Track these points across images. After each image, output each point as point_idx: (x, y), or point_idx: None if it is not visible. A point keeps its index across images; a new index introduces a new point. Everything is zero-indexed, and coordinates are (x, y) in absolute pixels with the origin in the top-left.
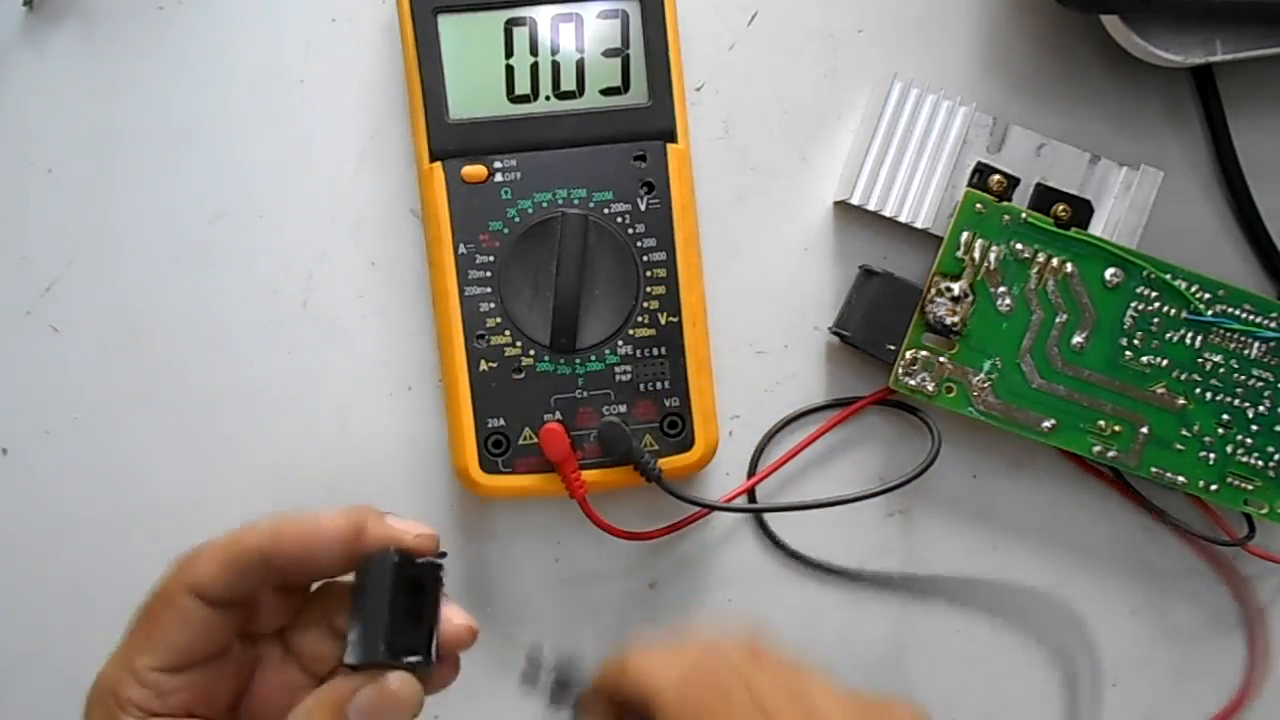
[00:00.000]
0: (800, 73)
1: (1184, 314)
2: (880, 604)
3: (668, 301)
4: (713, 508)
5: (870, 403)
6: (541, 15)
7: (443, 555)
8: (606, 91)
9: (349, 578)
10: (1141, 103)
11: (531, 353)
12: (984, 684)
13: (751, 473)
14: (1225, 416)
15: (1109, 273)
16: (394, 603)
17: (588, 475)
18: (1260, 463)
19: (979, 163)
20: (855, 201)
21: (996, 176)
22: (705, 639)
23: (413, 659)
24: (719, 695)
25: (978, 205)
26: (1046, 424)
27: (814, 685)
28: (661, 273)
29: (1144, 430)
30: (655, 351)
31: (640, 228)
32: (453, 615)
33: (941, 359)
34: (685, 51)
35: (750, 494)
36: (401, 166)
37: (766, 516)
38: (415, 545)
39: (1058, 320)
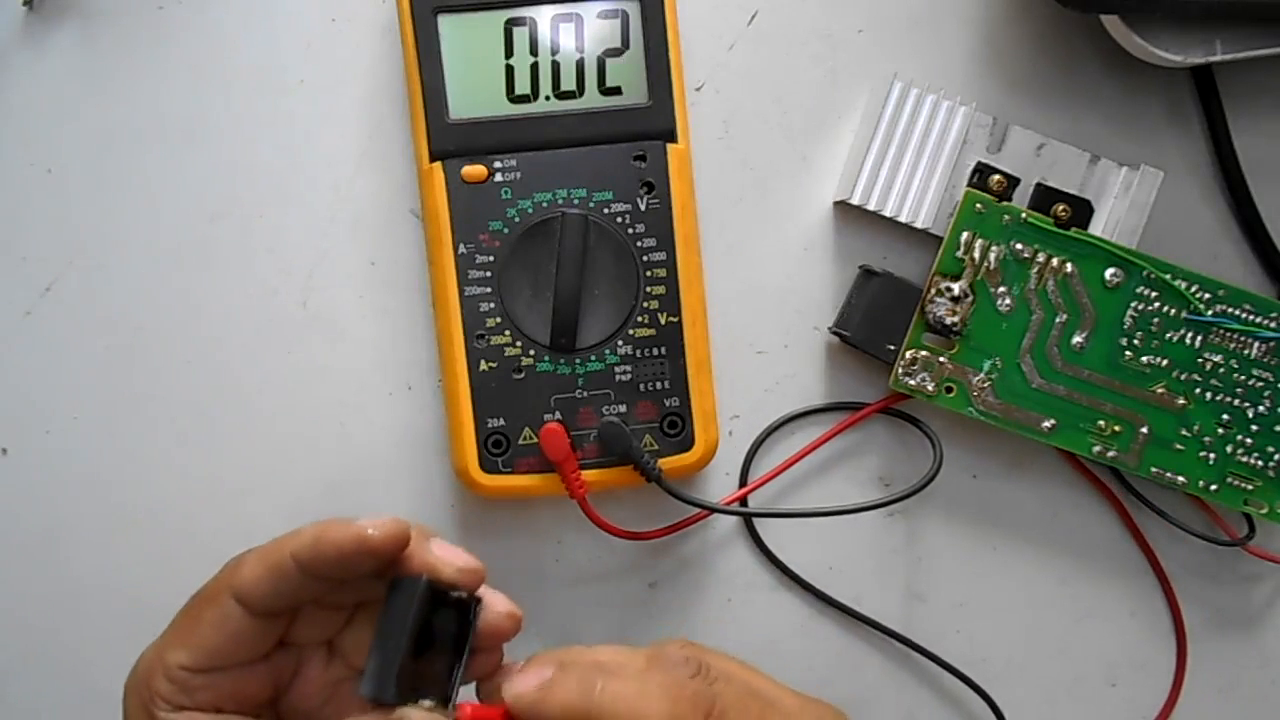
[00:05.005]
0: (800, 73)
1: (1184, 314)
2: (879, 601)
3: (668, 301)
4: (712, 509)
5: (874, 411)
6: (541, 15)
7: (477, 599)
8: (606, 91)
9: None
10: (1141, 103)
11: (531, 353)
12: (983, 682)
13: (744, 476)
14: (1225, 416)
15: (1109, 273)
16: (416, 636)
17: (588, 475)
18: (1260, 463)
19: (979, 163)
20: (855, 201)
21: (996, 176)
22: (656, 654)
23: (426, 702)
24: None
25: (978, 205)
26: (1046, 424)
27: (765, 681)
28: (661, 273)
29: (1144, 430)
30: (655, 351)
31: (640, 228)
32: (495, 603)
33: (941, 359)
34: (685, 51)
35: (743, 500)
36: (401, 166)
37: (760, 523)
38: (453, 578)
39: (1058, 320)
